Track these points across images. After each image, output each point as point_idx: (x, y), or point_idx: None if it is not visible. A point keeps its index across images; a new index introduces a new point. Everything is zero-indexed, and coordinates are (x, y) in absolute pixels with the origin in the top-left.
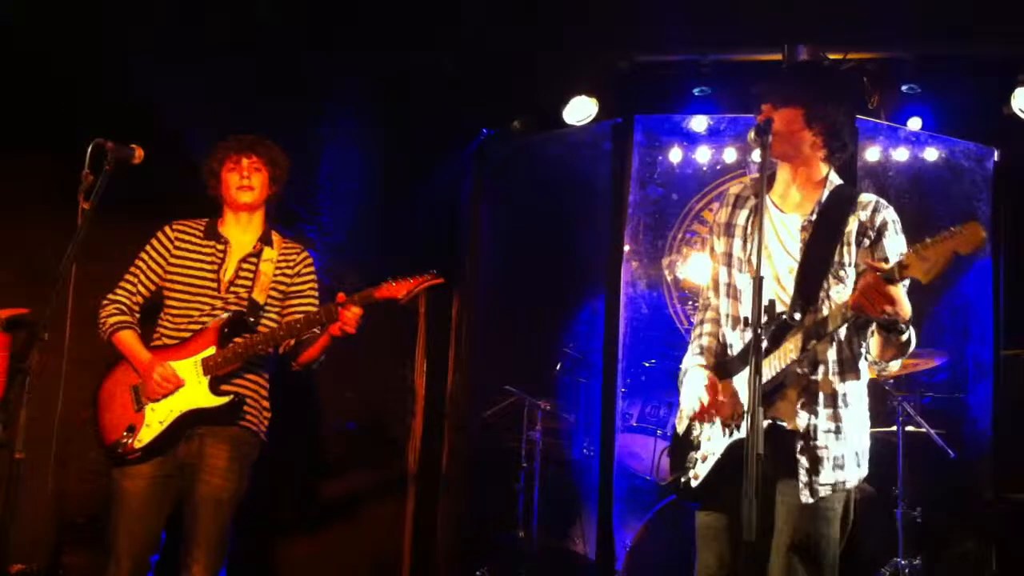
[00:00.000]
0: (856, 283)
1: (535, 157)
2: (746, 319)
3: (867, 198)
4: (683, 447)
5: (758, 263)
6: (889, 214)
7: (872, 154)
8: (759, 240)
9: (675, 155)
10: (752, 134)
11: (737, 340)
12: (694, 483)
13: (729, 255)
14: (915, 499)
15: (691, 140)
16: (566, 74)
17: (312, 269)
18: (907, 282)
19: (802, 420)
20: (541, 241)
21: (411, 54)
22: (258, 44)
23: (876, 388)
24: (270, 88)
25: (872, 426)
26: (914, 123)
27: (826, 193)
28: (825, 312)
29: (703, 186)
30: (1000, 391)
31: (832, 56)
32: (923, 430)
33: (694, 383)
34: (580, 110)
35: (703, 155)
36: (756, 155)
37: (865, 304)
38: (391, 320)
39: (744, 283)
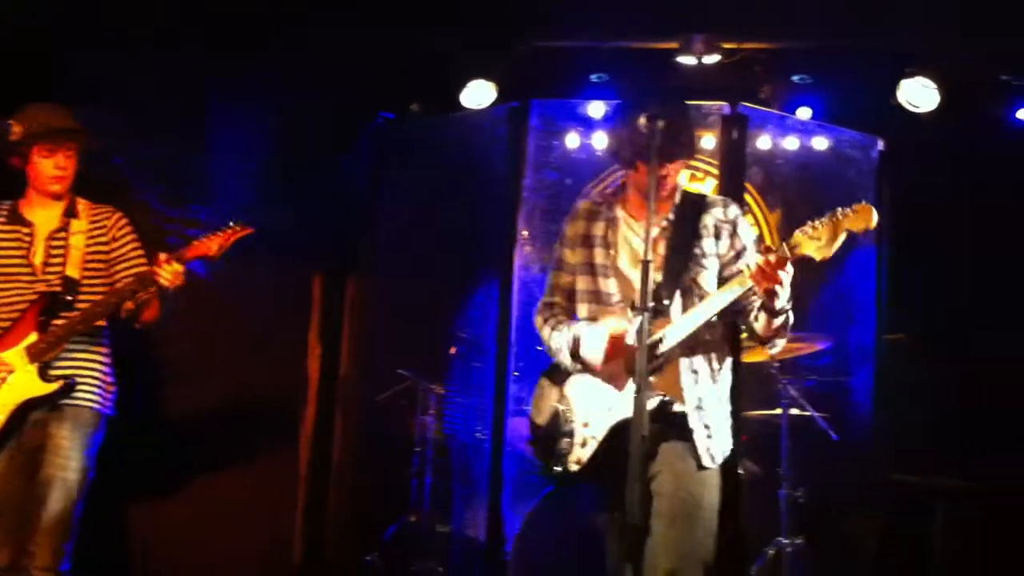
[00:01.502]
0: (721, 272)
1: (432, 141)
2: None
3: (715, 198)
4: (550, 434)
5: (646, 250)
6: (737, 210)
7: (760, 143)
8: (648, 219)
9: (571, 140)
10: (643, 122)
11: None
12: (575, 467)
13: (590, 264)
14: (798, 480)
15: (588, 126)
16: (465, 58)
17: (129, 229)
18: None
19: (690, 392)
20: (436, 225)
21: (308, 35)
22: (153, 20)
23: (761, 372)
24: (161, 68)
25: (757, 409)
26: (804, 113)
27: (679, 196)
28: (708, 292)
29: (598, 172)
30: (881, 375)
31: (726, 46)
32: (807, 413)
33: (598, 337)
34: (479, 94)
35: (599, 141)
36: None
37: (760, 277)
38: (285, 303)
39: (611, 288)
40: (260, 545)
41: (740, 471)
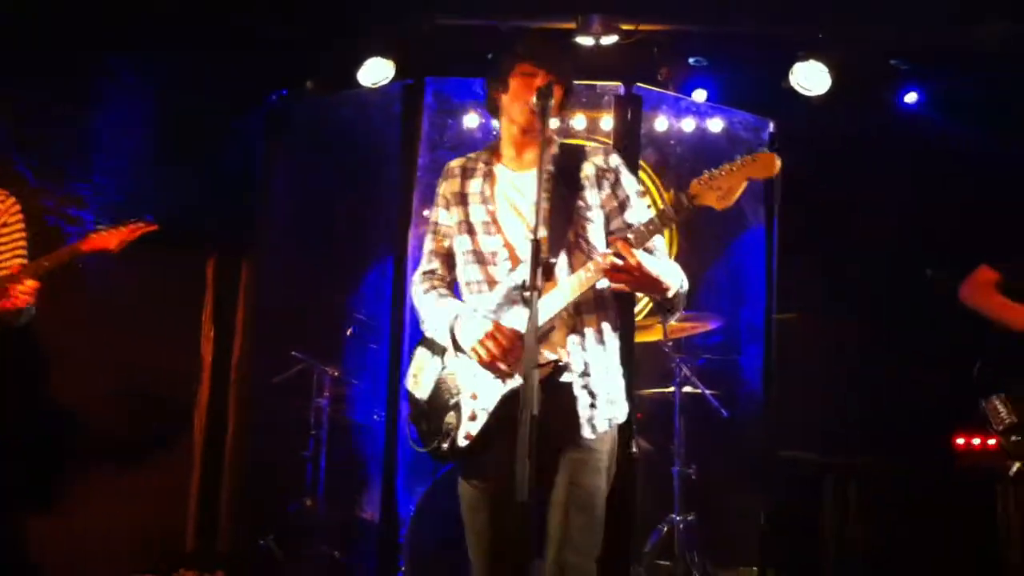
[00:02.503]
0: (608, 224)
1: (327, 118)
2: (501, 281)
3: (595, 146)
4: (434, 410)
5: (536, 224)
6: (618, 159)
7: (656, 124)
8: (538, 199)
9: (468, 119)
10: (535, 99)
11: (486, 303)
12: (464, 443)
13: (468, 222)
14: (690, 457)
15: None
16: (363, 34)
17: (20, 217)
18: (660, 254)
19: (576, 358)
20: (332, 205)
21: (202, 8)
22: None
23: (655, 350)
24: (43, 35)
25: (651, 387)
26: (699, 95)
27: (555, 148)
28: (588, 251)
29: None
30: (771, 354)
31: (624, 27)
32: (699, 391)
33: (479, 327)
34: (376, 72)
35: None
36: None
37: (613, 275)
38: (178, 285)
39: (495, 245)
40: (152, 532)
41: (633, 449)
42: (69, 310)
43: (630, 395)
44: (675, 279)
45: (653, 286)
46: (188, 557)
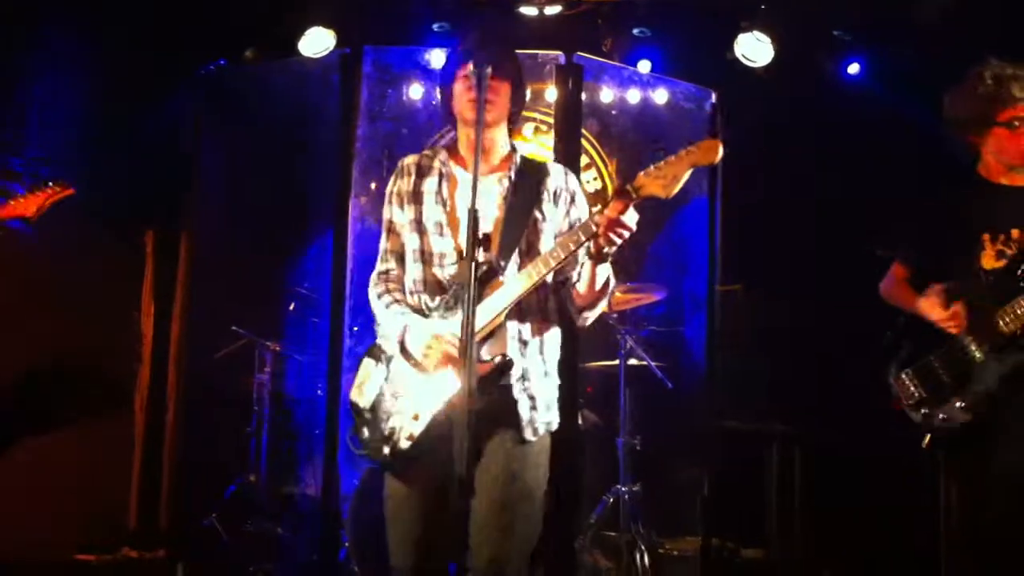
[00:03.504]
0: (556, 238)
1: (263, 88)
2: (451, 279)
3: (555, 166)
4: (377, 417)
5: (473, 198)
6: (576, 181)
7: (597, 94)
8: (475, 171)
9: (408, 89)
10: (470, 91)
11: (430, 303)
12: (406, 444)
13: (419, 222)
14: (636, 428)
15: (428, 75)
16: (303, 3)
17: None
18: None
19: (517, 363)
20: (270, 177)
21: None
22: None
23: (601, 322)
24: None
25: (597, 359)
26: (643, 66)
27: (518, 159)
28: (540, 260)
29: (436, 123)
30: (713, 325)
31: None
32: (644, 362)
33: (426, 332)
34: (317, 42)
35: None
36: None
37: (608, 237)
38: (115, 260)
39: (445, 247)
40: (94, 509)
41: (580, 421)
42: (3, 287)
43: (568, 374)
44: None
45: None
46: (130, 536)
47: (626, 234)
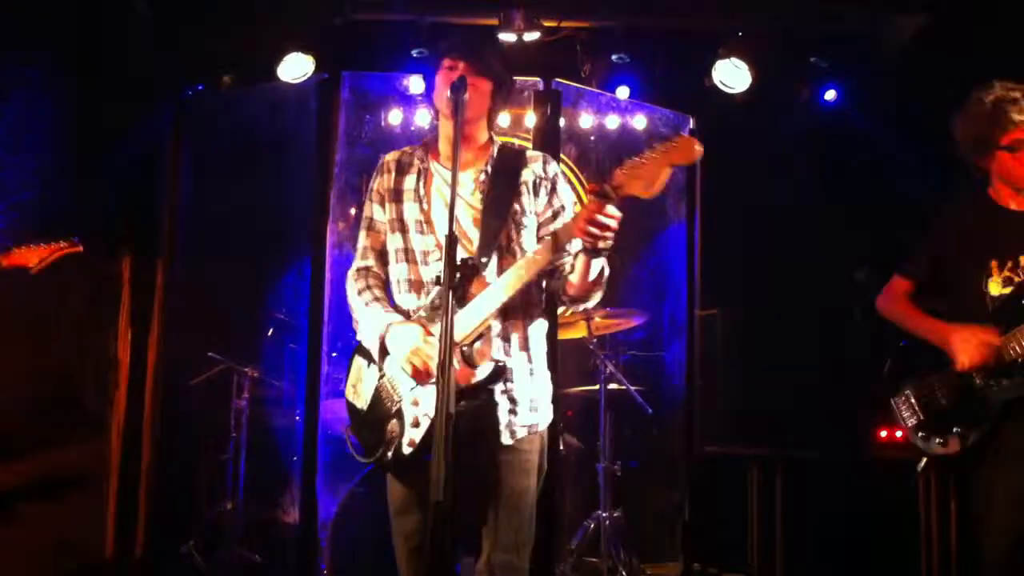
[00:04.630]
0: (538, 231)
1: (239, 113)
2: (437, 278)
3: (535, 153)
4: (376, 419)
5: (450, 221)
6: (556, 167)
7: (575, 119)
8: (452, 196)
9: (386, 115)
10: (447, 93)
11: (415, 303)
12: (408, 450)
13: (401, 220)
14: (616, 453)
15: (406, 100)
16: (281, 29)
17: None
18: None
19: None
20: (246, 202)
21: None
22: None
23: (580, 347)
24: None
25: (577, 384)
26: (622, 92)
27: (495, 149)
28: (520, 256)
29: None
30: (693, 349)
31: (547, 23)
32: (623, 387)
33: (408, 339)
34: (296, 67)
35: (421, 116)
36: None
37: (590, 235)
38: (90, 286)
39: (427, 245)
40: (69, 538)
41: (560, 447)
42: None
43: (556, 396)
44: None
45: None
46: (106, 565)
47: (609, 232)
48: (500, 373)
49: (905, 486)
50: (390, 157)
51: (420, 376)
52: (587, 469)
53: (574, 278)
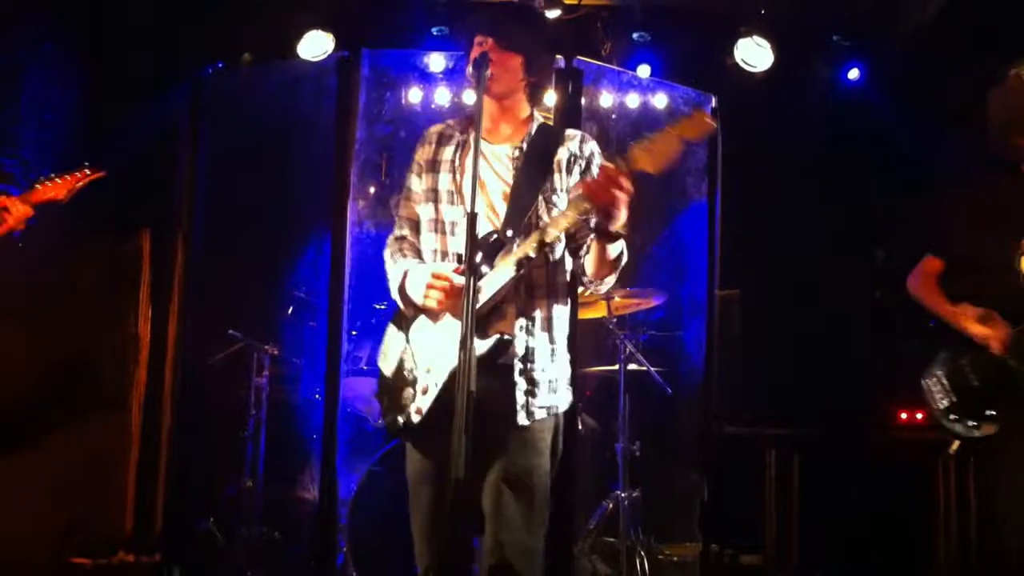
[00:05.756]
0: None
1: (258, 91)
2: (458, 255)
3: (573, 132)
4: (396, 385)
5: (472, 198)
6: (594, 146)
7: (596, 98)
8: (474, 173)
9: (406, 92)
10: (470, 69)
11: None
12: (416, 418)
13: (435, 191)
14: (635, 434)
15: (426, 78)
16: (300, 6)
17: None
18: None
19: (520, 341)
20: (266, 180)
21: None
22: None
23: (600, 327)
24: None
25: (596, 364)
26: (643, 70)
27: (534, 127)
28: (534, 235)
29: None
30: (712, 329)
31: (568, 1)
32: (643, 367)
33: (421, 277)
34: (315, 45)
35: (441, 95)
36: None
37: (597, 189)
38: (110, 263)
39: (456, 215)
40: (90, 514)
41: (579, 427)
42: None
43: (574, 378)
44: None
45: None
46: (126, 540)
47: (620, 202)
48: (505, 347)
49: (924, 468)
50: (433, 129)
51: (445, 303)
52: (605, 449)
53: (588, 263)
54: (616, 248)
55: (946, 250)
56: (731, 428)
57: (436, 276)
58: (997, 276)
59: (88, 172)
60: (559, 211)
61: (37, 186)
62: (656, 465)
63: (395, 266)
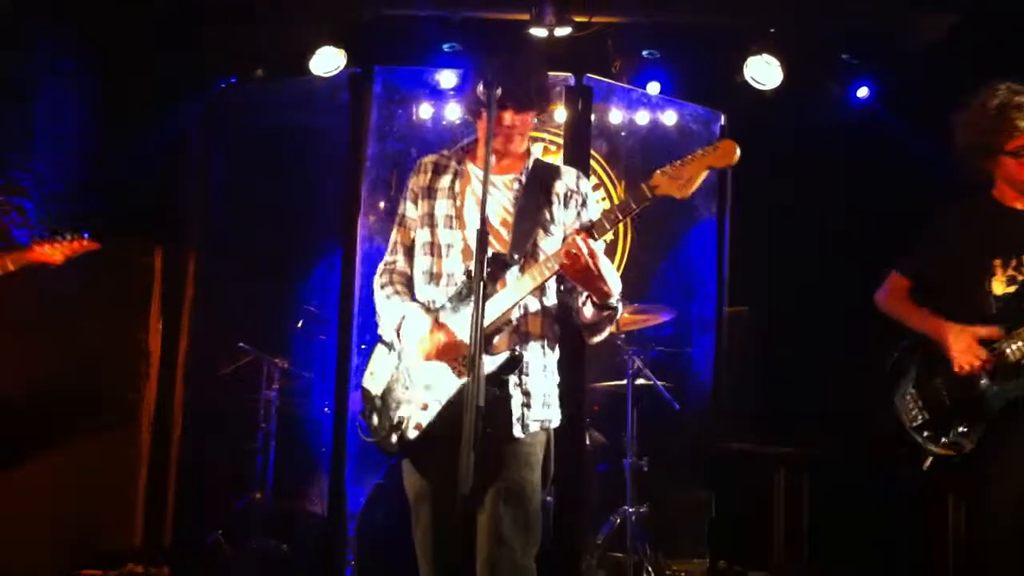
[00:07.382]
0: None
1: (270, 106)
2: (468, 271)
3: (568, 168)
4: (387, 403)
5: (482, 219)
6: (588, 184)
7: (606, 115)
8: (484, 192)
9: (417, 109)
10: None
11: (438, 295)
12: (414, 434)
13: (431, 215)
14: (643, 449)
15: (437, 95)
16: (313, 22)
17: None
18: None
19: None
20: (277, 195)
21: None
22: None
23: (608, 343)
24: None
25: (604, 379)
26: (653, 87)
27: (531, 162)
28: (539, 260)
29: (445, 141)
30: (721, 346)
31: (578, 18)
32: (651, 383)
33: (418, 329)
34: (327, 61)
35: (452, 111)
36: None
37: (569, 270)
38: (121, 277)
39: (453, 239)
40: (99, 525)
41: (587, 441)
42: (11, 304)
43: (575, 395)
44: (616, 287)
45: (599, 284)
46: (135, 552)
47: (593, 275)
48: (516, 362)
49: (934, 488)
50: (428, 159)
51: (428, 357)
52: (613, 465)
53: (586, 311)
54: (606, 310)
55: (914, 270)
56: (739, 445)
57: (422, 343)
58: (967, 297)
59: (87, 242)
60: (551, 247)
61: (35, 246)
62: (664, 481)
63: (388, 304)
